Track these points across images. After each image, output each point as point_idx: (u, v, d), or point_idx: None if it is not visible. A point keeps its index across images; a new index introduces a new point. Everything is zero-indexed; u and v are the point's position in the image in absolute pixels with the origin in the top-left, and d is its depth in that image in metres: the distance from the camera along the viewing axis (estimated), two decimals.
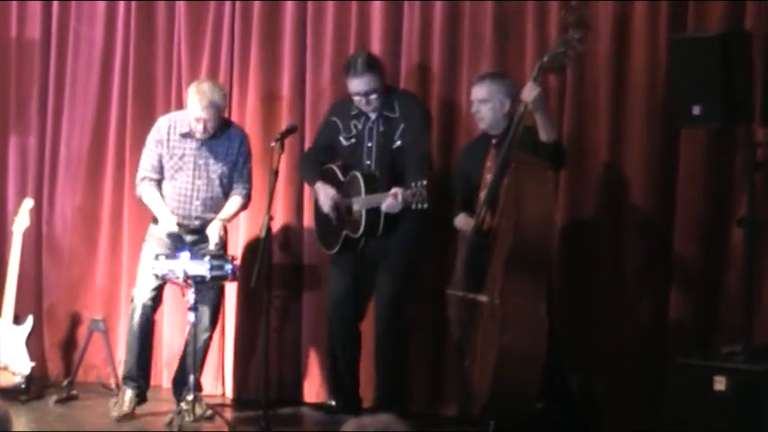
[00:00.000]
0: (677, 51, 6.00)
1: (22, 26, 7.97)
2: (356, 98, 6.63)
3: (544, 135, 5.96)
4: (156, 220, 6.82)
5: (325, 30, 7.29)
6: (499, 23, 6.83)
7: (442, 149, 6.99)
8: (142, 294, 6.79)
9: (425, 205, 6.06)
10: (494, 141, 6.23)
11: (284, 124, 7.13)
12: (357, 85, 6.60)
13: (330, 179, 6.72)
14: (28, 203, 7.46)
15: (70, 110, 7.87)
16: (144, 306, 6.79)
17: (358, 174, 6.55)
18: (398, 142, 6.59)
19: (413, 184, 6.06)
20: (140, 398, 6.87)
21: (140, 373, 6.87)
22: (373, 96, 6.59)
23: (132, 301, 6.86)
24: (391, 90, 6.74)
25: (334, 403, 6.83)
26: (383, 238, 6.54)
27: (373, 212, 6.44)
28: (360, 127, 6.68)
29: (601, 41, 6.55)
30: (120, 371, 7.42)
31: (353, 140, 6.70)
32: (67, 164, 7.87)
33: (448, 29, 7.00)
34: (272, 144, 6.48)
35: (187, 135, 6.78)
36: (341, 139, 6.74)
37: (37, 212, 7.71)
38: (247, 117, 7.43)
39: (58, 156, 7.89)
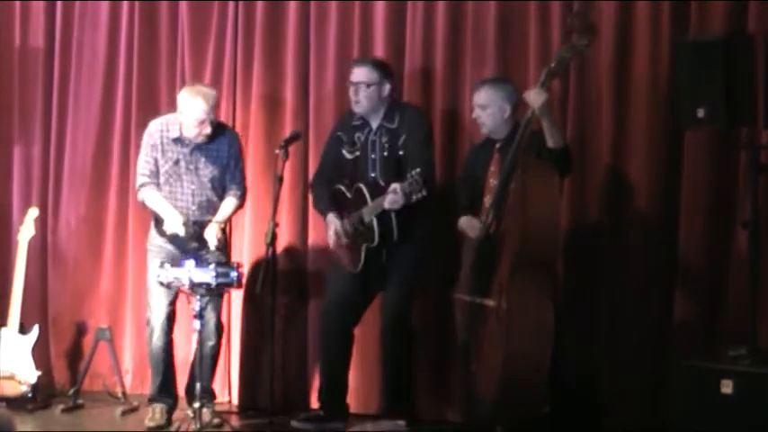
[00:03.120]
0: (681, 55, 6.02)
1: (25, 34, 7.96)
2: (350, 89, 6.63)
3: (551, 141, 5.96)
4: (157, 223, 6.81)
5: (329, 36, 7.30)
6: (502, 27, 6.85)
7: (445, 154, 7.00)
8: (158, 315, 6.79)
9: (424, 193, 6.07)
10: (498, 145, 6.25)
11: (288, 130, 7.15)
12: (353, 73, 6.63)
13: (339, 200, 6.70)
14: (33, 213, 7.47)
15: (74, 118, 7.87)
16: (162, 327, 6.79)
17: (361, 185, 6.54)
18: (401, 152, 6.58)
19: (408, 176, 6.10)
20: (169, 415, 6.83)
21: (166, 392, 6.86)
22: (362, 89, 6.58)
23: (148, 323, 6.84)
24: (395, 103, 6.72)
25: (322, 413, 6.78)
26: (396, 250, 6.52)
27: (385, 219, 6.43)
28: (362, 139, 6.67)
29: (603, 44, 6.56)
30: (128, 380, 7.44)
31: (357, 153, 6.69)
32: (72, 173, 7.87)
33: (451, 33, 7.02)
34: (277, 151, 6.48)
35: (178, 140, 6.78)
36: (345, 152, 6.73)
37: (42, 222, 7.71)
38: (251, 123, 7.44)
39: (62, 165, 7.88)
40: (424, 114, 6.84)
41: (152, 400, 6.89)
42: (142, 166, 6.85)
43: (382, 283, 6.62)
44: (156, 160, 6.80)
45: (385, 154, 6.60)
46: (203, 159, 6.78)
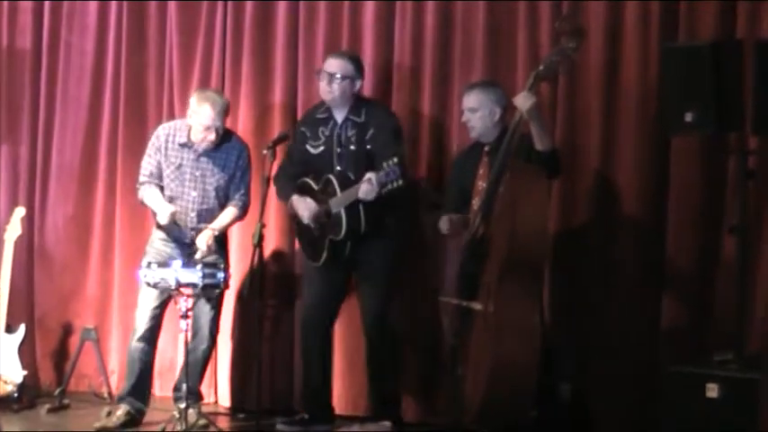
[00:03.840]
0: (669, 60, 6.01)
1: (12, 36, 7.96)
2: (323, 83, 6.64)
3: (539, 144, 5.96)
4: (159, 226, 6.79)
5: (317, 38, 7.29)
6: (490, 31, 6.85)
7: (432, 156, 7.01)
8: (143, 317, 6.78)
9: (400, 182, 6.05)
10: (486, 149, 6.25)
11: (276, 130, 7.15)
12: (329, 64, 6.66)
13: (306, 192, 6.67)
14: (19, 212, 7.45)
15: (62, 119, 7.87)
16: (145, 329, 6.78)
17: (331, 176, 6.52)
18: (368, 146, 6.56)
19: (384, 164, 6.07)
20: (132, 417, 6.79)
21: (136, 395, 6.83)
22: (337, 79, 6.59)
23: (135, 322, 6.82)
24: (361, 99, 6.74)
25: (307, 416, 6.78)
26: (364, 244, 6.51)
27: (354, 212, 6.39)
28: (327, 133, 6.67)
29: (592, 50, 6.55)
30: (114, 381, 7.42)
31: (322, 148, 6.68)
32: (59, 173, 7.86)
33: (439, 36, 7.01)
34: (264, 152, 6.48)
35: (185, 145, 6.77)
36: (308, 147, 6.72)
37: (29, 221, 7.70)
38: (239, 124, 7.42)
39: (49, 165, 7.88)
40: (392, 111, 6.86)
41: (121, 399, 6.87)
42: (144, 166, 6.85)
43: (351, 273, 6.65)
44: (159, 163, 6.80)
45: (352, 148, 6.59)
46: (210, 167, 6.77)
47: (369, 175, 6.18)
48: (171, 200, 6.76)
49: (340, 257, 6.56)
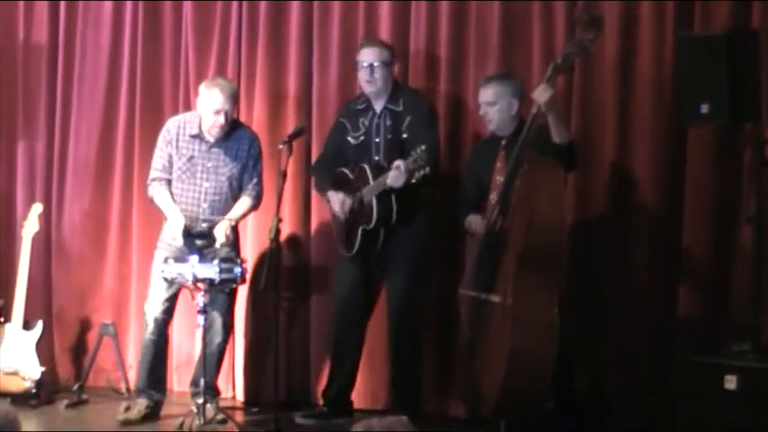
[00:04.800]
0: (685, 50, 6.00)
1: (29, 30, 7.97)
2: (361, 73, 6.65)
3: (557, 137, 5.97)
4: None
5: (332, 31, 7.30)
6: (506, 25, 6.85)
7: (449, 151, 7.01)
8: (154, 308, 6.79)
9: (427, 170, 6.09)
10: (503, 142, 6.24)
11: (291, 126, 7.15)
12: (365, 54, 6.66)
13: (342, 181, 6.71)
14: (37, 208, 7.47)
15: (78, 113, 7.88)
16: (156, 320, 6.79)
17: (365, 165, 6.55)
18: (405, 135, 6.58)
19: (412, 152, 6.11)
20: (152, 410, 6.83)
21: (153, 385, 6.85)
22: (378, 68, 6.60)
23: (145, 314, 6.85)
24: (398, 86, 6.76)
25: (326, 409, 6.80)
26: (396, 233, 6.52)
27: (385, 201, 6.42)
28: (367, 123, 6.69)
29: (608, 42, 6.55)
30: (132, 375, 7.44)
31: (362, 138, 6.71)
32: (76, 168, 7.87)
33: (454, 30, 7.01)
34: (280, 146, 6.51)
35: (196, 137, 6.78)
36: (349, 139, 6.75)
37: (46, 217, 7.71)
38: (254, 118, 7.43)
39: (66, 160, 7.89)
40: (427, 98, 6.86)
41: (138, 392, 6.90)
42: (156, 160, 6.85)
43: (384, 270, 6.65)
44: (170, 156, 6.81)
45: (388, 137, 6.61)
46: (223, 157, 6.77)
47: (398, 162, 6.21)
48: (183, 192, 6.76)
49: (374, 247, 6.58)
